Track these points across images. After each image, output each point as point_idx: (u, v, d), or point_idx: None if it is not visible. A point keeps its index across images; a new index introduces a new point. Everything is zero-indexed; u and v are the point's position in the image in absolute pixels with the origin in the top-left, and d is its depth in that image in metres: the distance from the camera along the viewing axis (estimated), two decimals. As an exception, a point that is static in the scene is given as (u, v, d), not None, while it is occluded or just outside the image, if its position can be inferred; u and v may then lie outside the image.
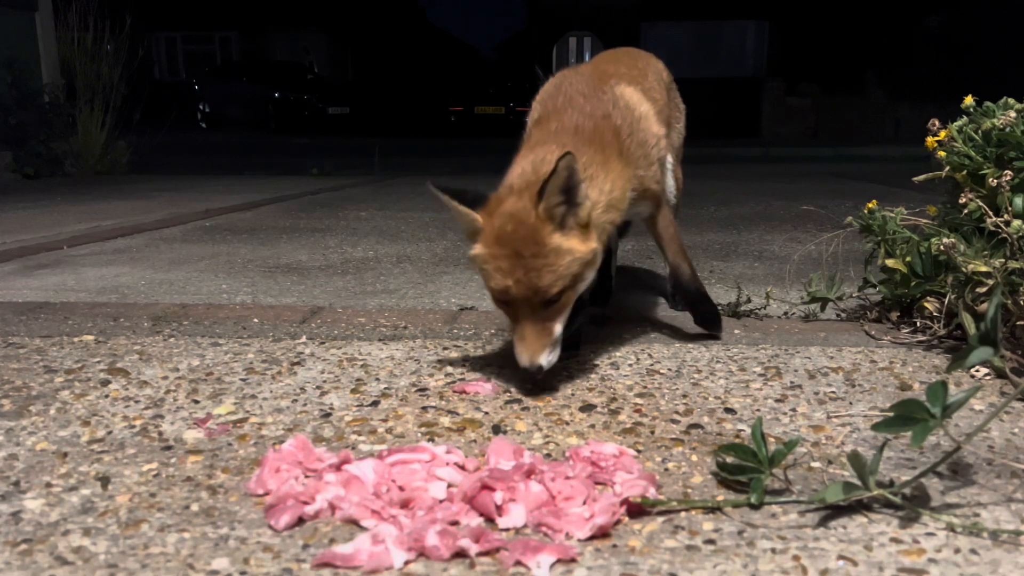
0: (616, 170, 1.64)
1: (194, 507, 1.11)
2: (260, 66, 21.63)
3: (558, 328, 1.52)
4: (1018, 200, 1.74)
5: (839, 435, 1.36)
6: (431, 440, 1.34)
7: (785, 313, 2.21)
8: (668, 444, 1.32)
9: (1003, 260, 1.69)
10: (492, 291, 1.53)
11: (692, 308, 1.99)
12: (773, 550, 0.99)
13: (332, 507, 1.08)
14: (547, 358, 1.50)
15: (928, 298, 1.93)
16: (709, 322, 1.97)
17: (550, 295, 1.47)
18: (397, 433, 1.38)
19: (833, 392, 1.58)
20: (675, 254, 1.95)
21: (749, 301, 2.21)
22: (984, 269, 1.69)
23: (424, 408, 1.49)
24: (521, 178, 1.54)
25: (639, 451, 1.30)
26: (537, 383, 1.56)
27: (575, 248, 1.49)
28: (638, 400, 1.53)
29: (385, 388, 1.61)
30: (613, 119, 1.70)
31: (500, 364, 1.76)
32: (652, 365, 1.75)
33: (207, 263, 3.16)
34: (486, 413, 1.47)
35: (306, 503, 1.08)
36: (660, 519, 1.07)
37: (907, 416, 1.06)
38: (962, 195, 1.83)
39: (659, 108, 1.91)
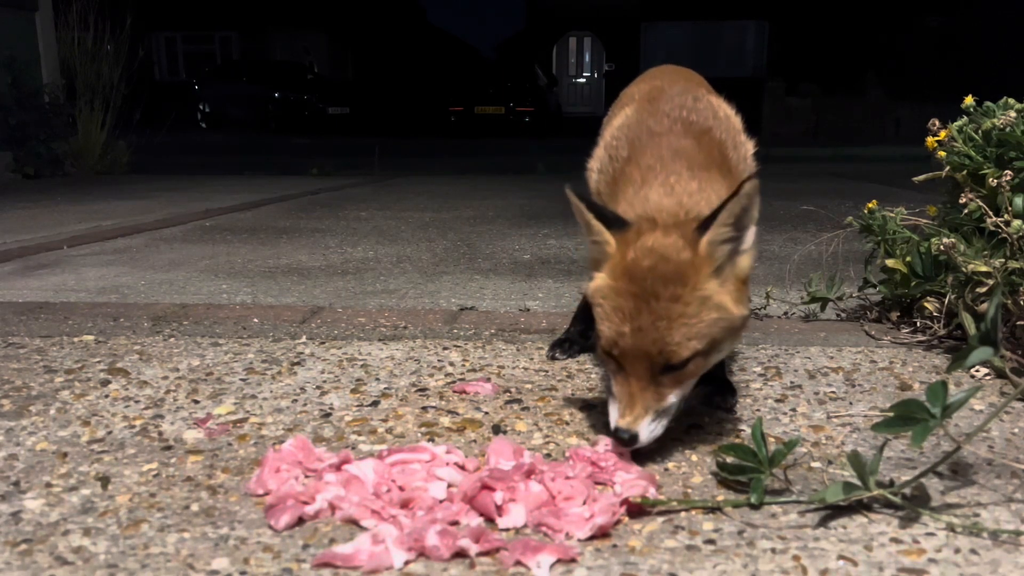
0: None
1: (194, 507, 1.11)
2: (260, 66, 21.64)
3: (672, 399, 1.19)
4: (1018, 200, 1.74)
5: (839, 435, 1.36)
6: (431, 440, 1.34)
7: (785, 313, 2.21)
8: (668, 444, 1.32)
9: (1003, 260, 1.69)
10: (602, 337, 1.20)
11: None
12: (773, 550, 0.99)
13: (332, 507, 1.08)
14: (648, 428, 1.17)
15: (928, 298, 1.93)
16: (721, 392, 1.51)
17: (678, 357, 1.15)
18: (397, 433, 1.38)
19: (833, 392, 1.58)
20: None
21: (749, 301, 2.21)
22: (984, 269, 1.69)
23: (424, 408, 1.49)
24: (663, 211, 1.25)
25: (639, 451, 1.30)
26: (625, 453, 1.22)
27: (726, 305, 1.17)
28: (638, 400, 1.53)
29: (385, 388, 1.61)
30: (716, 133, 1.43)
31: (500, 364, 1.76)
32: (652, 365, 1.75)
33: (207, 263, 3.16)
34: (486, 413, 1.47)
35: (306, 503, 1.08)
36: (660, 519, 1.07)
37: (907, 416, 1.06)
38: (962, 195, 1.83)
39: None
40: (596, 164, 1.53)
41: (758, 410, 1.48)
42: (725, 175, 1.36)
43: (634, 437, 1.17)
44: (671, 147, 1.37)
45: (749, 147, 1.52)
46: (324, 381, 1.65)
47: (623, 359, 1.18)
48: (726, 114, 1.50)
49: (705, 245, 1.16)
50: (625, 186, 1.36)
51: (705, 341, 1.16)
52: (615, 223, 1.23)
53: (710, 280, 1.16)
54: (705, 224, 1.16)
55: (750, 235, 1.19)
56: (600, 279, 1.22)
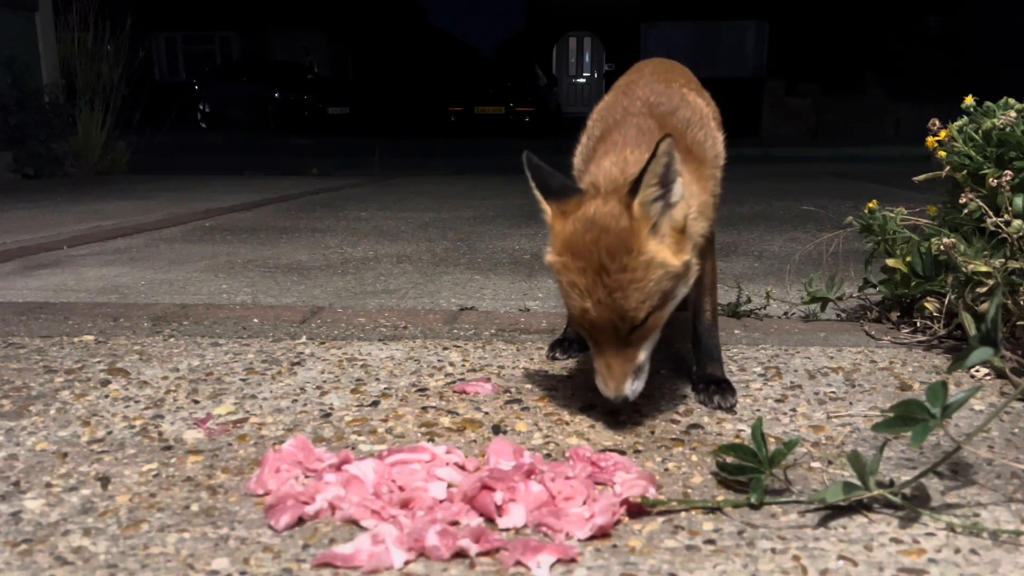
0: (695, 170, 1.43)
1: (194, 507, 1.11)
2: (260, 66, 21.63)
3: (643, 355, 1.34)
4: (1018, 200, 1.74)
5: (839, 435, 1.36)
6: (431, 440, 1.34)
7: (785, 313, 2.21)
8: (668, 444, 1.32)
9: (1003, 260, 1.69)
10: (568, 310, 1.35)
11: (700, 366, 1.59)
12: (773, 550, 0.99)
13: (332, 507, 1.08)
14: (631, 387, 1.33)
15: (928, 298, 1.93)
16: (717, 388, 1.54)
17: (637, 320, 1.27)
18: (397, 433, 1.38)
19: (833, 392, 1.58)
20: (711, 294, 1.63)
21: (749, 301, 2.21)
22: (984, 269, 1.69)
23: (424, 408, 1.49)
24: (607, 179, 1.34)
25: (639, 451, 1.30)
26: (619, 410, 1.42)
27: (668, 260, 1.27)
28: (638, 400, 1.53)
29: (385, 388, 1.61)
30: (681, 113, 1.51)
31: (500, 364, 1.76)
32: (652, 365, 1.75)
33: (207, 263, 3.16)
34: (486, 413, 1.47)
35: (306, 503, 1.08)
36: (660, 519, 1.07)
37: (907, 416, 1.06)
38: (962, 195, 1.83)
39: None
40: (579, 148, 1.62)
41: (758, 410, 1.48)
42: (685, 153, 1.42)
43: (625, 399, 1.32)
44: (637, 126, 1.46)
45: (719, 137, 1.59)
46: (324, 381, 1.65)
47: (592, 330, 1.30)
48: (695, 102, 1.58)
49: (638, 207, 1.25)
50: (594, 161, 1.45)
51: (656, 297, 1.27)
52: (560, 192, 1.34)
53: (649, 240, 1.26)
54: (633, 188, 1.25)
55: (677, 188, 1.28)
56: (551, 255, 1.32)
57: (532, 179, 1.35)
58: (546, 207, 1.34)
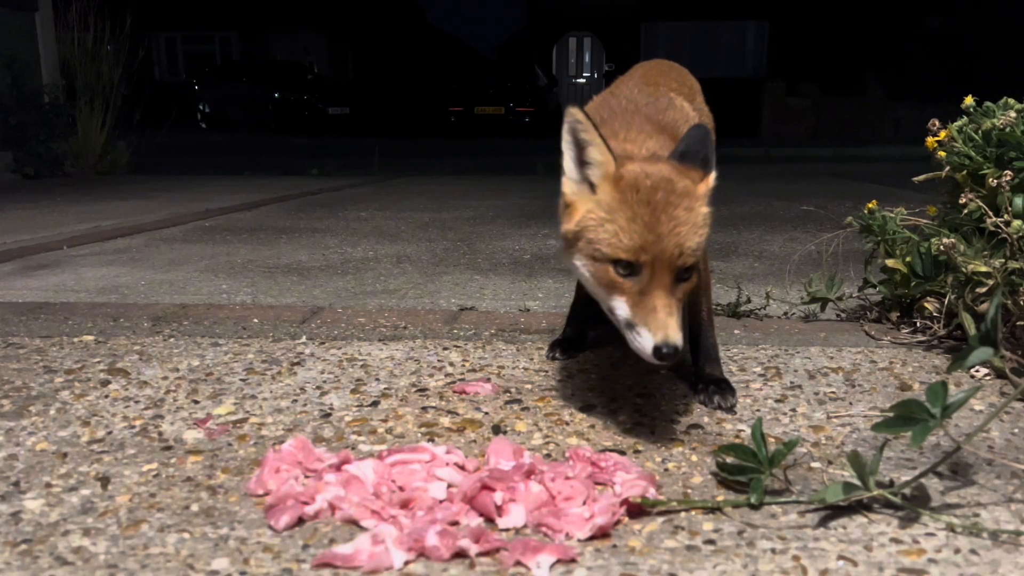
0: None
1: (194, 507, 1.11)
2: (260, 66, 21.63)
3: (679, 318, 1.26)
4: (1018, 200, 1.74)
5: (839, 435, 1.36)
6: (431, 440, 1.34)
7: (785, 313, 2.21)
8: (668, 444, 1.32)
9: (1003, 260, 1.69)
10: (622, 248, 1.24)
11: (699, 367, 1.59)
12: (773, 550, 0.99)
13: (332, 507, 1.08)
14: (680, 337, 1.22)
15: (928, 298, 1.93)
16: (716, 388, 1.53)
17: (692, 261, 1.25)
18: (397, 433, 1.38)
19: (833, 392, 1.58)
20: (706, 293, 1.65)
21: (749, 301, 2.21)
22: (984, 269, 1.69)
23: (424, 408, 1.49)
24: (634, 152, 1.37)
25: (639, 451, 1.30)
26: (662, 364, 1.29)
27: (707, 232, 1.30)
28: (638, 400, 1.53)
29: (385, 388, 1.61)
30: (669, 115, 1.56)
31: (500, 364, 1.76)
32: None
33: (207, 263, 3.16)
34: (486, 413, 1.47)
35: (306, 503, 1.08)
36: (660, 519, 1.07)
37: (907, 416, 1.06)
38: (962, 195, 1.83)
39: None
40: None
41: (758, 410, 1.48)
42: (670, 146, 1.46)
43: (676, 350, 1.20)
44: (627, 122, 1.50)
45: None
46: (324, 381, 1.65)
47: (647, 267, 1.23)
48: (682, 107, 1.63)
49: (711, 181, 1.32)
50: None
51: (699, 255, 1.29)
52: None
53: (705, 205, 1.30)
54: (705, 164, 1.32)
55: (713, 172, 1.33)
56: (600, 196, 1.29)
57: (595, 128, 1.29)
58: (611, 157, 1.29)
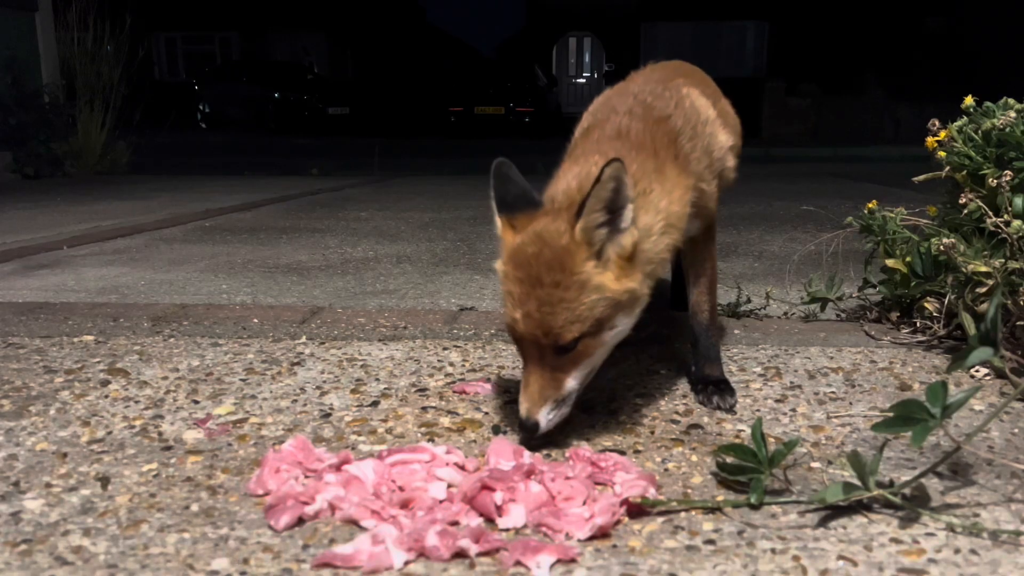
0: (672, 179, 1.37)
1: (194, 507, 1.11)
2: (260, 66, 21.62)
3: (571, 383, 1.26)
4: (1018, 200, 1.74)
5: (839, 435, 1.36)
6: (431, 440, 1.34)
7: (785, 313, 2.21)
8: (668, 444, 1.32)
9: (1003, 260, 1.69)
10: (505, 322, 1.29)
11: (699, 367, 1.59)
12: (773, 550, 0.99)
13: (332, 507, 1.08)
14: (547, 415, 1.24)
15: (928, 298, 1.93)
16: (715, 389, 1.52)
17: (563, 340, 1.21)
18: (397, 433, 1.38)
19: (833, 392, 1.58)
20: (710, 294, 1.62)
21: (749, 301, 2.21)
22: (984, 269, 1.69)
23: (424, 408, 1.49)
24: (565, 194, 1.30)
25: (639, 451, 1.30)
26: (530, 442, 1.27)
27: (606, 285, 1.22)
28: (638, 400, 1.53)
29: (385, 388, 1.61)
30: (673, 120, 1.46)
31: (500, 364, 1.76)
32: (652, 365, 1.75)
33: (207, 263, 3.16)
34: (486, 413, 1.47)
35: (306, 503, 1.08)
36: (660, 519, 1.07)
37: (907, 416, 1.06)
38: (962, 195, 1.83)
39: (731, 123, 1.70)
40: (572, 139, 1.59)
41: (758, 410, 1.48)
42: (668, 159, 1.39)
43: (536, 425, 1.24)
44: (618, 126, 1.43)
45: (722, 139, 1.57)
46: (324, 381, 1.65)
47: (519, 344, 1.27)
48: (695, 106, 1.53)
49: (580, 232, 1.22)
50: (565, 164, 1.42)
51: (589, 323, 1.22)
52: (517, 205, 1.31)
53: (587, 263, 1.22)
54: (579, 211, 1.22)
55: (627, 214, 1.23)
56: (499, 264, 1.30)
57: (492, 190, 1.33)
58: (497, 220, 1.32)
